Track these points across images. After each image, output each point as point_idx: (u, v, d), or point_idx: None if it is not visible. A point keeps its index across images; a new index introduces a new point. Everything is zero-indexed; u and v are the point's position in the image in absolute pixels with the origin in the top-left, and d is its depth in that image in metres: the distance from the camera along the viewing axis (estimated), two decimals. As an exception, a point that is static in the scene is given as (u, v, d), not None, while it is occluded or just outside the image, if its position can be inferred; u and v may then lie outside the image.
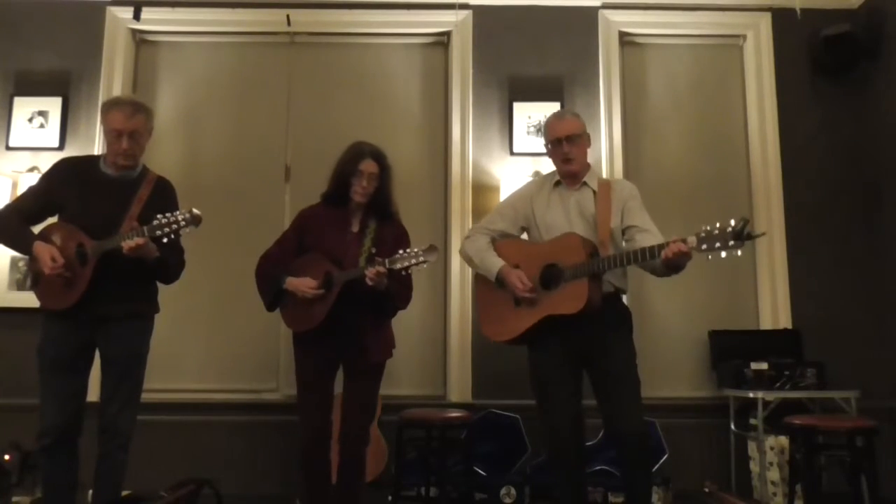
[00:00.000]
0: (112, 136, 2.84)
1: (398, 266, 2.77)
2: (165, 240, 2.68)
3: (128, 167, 2.90)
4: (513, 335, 2.87)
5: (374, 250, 2.91)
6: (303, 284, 2.93)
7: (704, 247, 2.44)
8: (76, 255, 2.74)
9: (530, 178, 4.40)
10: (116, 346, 2.82)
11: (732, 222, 2.39)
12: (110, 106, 2.89)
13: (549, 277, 2.77)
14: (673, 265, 2.58)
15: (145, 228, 2.68)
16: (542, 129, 3.02)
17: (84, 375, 2.86)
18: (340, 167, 3.06)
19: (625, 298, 2.96)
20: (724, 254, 2.42)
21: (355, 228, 3.06)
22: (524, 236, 3.06)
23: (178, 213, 2.69)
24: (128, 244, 2.65)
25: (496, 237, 3.00)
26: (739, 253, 2.41)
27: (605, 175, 4.37)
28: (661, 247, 2.54)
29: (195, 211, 2.70)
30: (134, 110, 2.85)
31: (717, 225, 2.42)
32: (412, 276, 3.01)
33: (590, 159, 3.04)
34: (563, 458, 2.83)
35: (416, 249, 2.77)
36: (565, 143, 2.88)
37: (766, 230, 4.51)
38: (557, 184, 2.97)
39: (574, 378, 2.84)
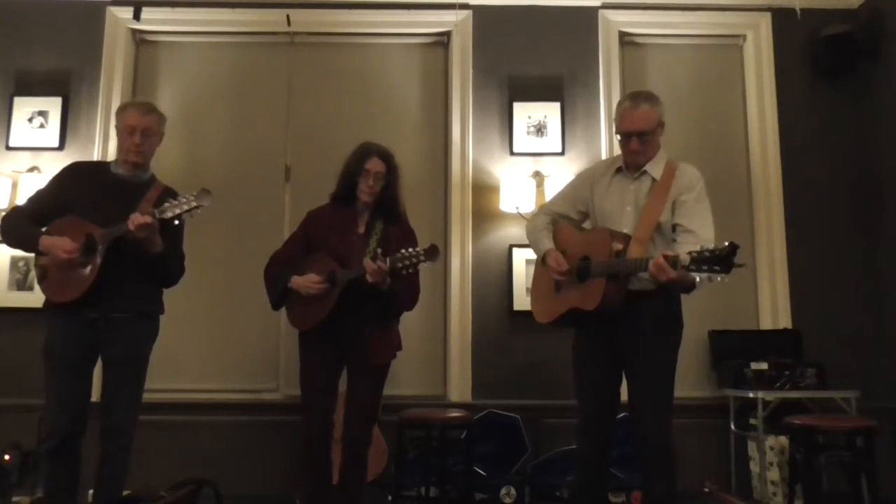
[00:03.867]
0: (125, 132, 2.90)
1: (399, 265, 2.77)
2: (177, 221, 2.73)
3: (138, 165, 2.94)
4: (547, 319, 2.86)
5: (379, 251, 2.89)
6: (306, 280, 2.94)
7: (694, 267, 2.32)
8: (85, 244, 2.73)
9: (530, 178, 4.43)
10: (123, 346, 2.82)
11: (724, 244, 2.27)
12: (125, 106, 3.01)
13: (583, 270, 2.73)
14: (662, 285, 2.48)
15: (156, 210, 2.72)
16: (615, 112, 2.84)
17: (89, 376, 2.85)
18: (347, 167, 3.07)
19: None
20: (711, 279, 2.28)
21: (361, 229, 3.06)
22: (587, 223, 2.98)
23: (187, 194, 2.73)
24: (135, 220, 2.67)
25: (557, 219, 2.94)
26: (722, 279, 2.28)
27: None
28: (647, 261, 2.46)
29: (204, 188, 2.74)
30: (147, 110, 2.96)
31: (710, 247, 2.30)
32: (419, 277, 3.00)
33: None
34: (584, 446, 2.82)
35: (416, 249, 2.78)
36: (636, 140, 2.71)
37: (766, 230, 4.53)
38: (619, 170, 2.83)
39: (609, 370, 2.78)
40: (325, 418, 2.99)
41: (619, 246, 2.63)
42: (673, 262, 2.37)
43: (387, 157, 3.05)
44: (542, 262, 2.87)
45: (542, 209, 3.02)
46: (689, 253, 2.33)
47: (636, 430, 2.70)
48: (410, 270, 2.80)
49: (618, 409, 2.84)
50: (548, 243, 2.86)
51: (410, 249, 2.78)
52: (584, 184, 2.93)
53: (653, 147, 2.76)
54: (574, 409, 2.88)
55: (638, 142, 2.71)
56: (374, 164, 3.00)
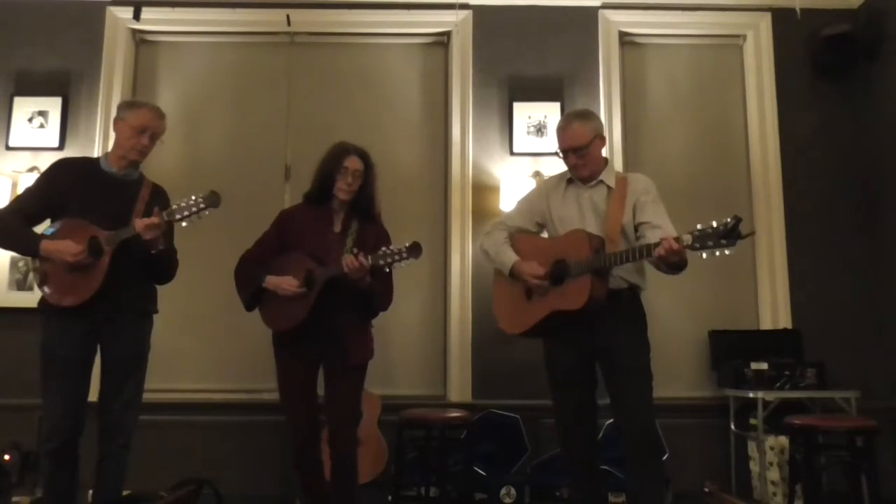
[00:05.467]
0: (136, 131, 2.86)
1: (381, 262, 2.75)
2: (185, 223, 2.72)
3: (136, 163, 2.93)
4: (523, 328, 2.87)
5: (356, 250, 2.85)
6: (284, 282, 2.89)
7: (698, 245, 2.42)
8: (89, 247, 2.71)
9: (530, 178, 4.43)
10: (124, 344, 2.82)
11: (727, 219, 2.39)
12: (139, 104, 2.96)
13: (558, 273, 2.76)
14: (670, 264, 2.55)
15: (164, 213, 2.71)
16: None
17: (89, 375, 2.83)
18: (324, 165, 3.03)
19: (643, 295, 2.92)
20: (717, 252, 2.40)
21: (337, 228, 3.02)
22: (544, 233, 3.05)
23: (195, 195, 2.72)
24: (143, 221, 2.67)
25: (514, 233, 3.00)
26: (728, 252, 2.39)
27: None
28: (655, 245, 2.52)
29: (213, 191, 2.73)
30: (161, 115, 2.95)
31: (713, 223, 2.41)
32: (393, 277, 2.97)
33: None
34: (573, 452, 2.84)
35: (399, 247, 2.76)
36: (572, 156, 2.87)
37: (766, 230, 4.52)
38: (571, 181, 2.96)
39: (586, 374, 2.83)
40: (312, 420, 2.96)
41: (597, 244, 2.72)
42: (677, 242, 2.46)
43: (364, 156, 3.03)
44: (509, 275, 2.90)
45: (497, 225, 3.08)
46: (691, 232, 2.44)
47: (623, 427, 2.73)
48: (392, 267, 2.79)
49: (597, 410, 2.88)
50: (512, 255, 2.91)
51: (393, 247, 2.77)
52: (539, 197, 3.04)
53: (593, 159, 2.88)
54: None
55: (574, 157, 2.86)
56: (353, 163, 2.98)
